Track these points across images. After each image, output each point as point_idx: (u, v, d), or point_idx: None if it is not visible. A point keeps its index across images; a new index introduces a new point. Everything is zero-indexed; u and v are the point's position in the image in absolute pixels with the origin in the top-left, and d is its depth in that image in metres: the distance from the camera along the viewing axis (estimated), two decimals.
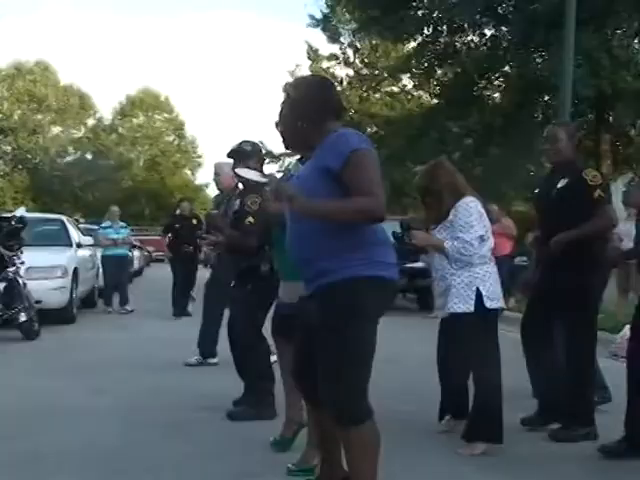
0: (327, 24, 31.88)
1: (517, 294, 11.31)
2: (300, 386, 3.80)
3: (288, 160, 27.62)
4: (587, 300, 5.38)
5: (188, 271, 13.25)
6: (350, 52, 39.66)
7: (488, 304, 4.94)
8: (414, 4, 19.71)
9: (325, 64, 40.03)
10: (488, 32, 19.58)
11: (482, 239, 5.04)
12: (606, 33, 16.95)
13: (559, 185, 5.46)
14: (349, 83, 41.87)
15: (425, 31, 20.02)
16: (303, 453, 4.39)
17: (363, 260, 3.37)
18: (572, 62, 14.12)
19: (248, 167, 5.49)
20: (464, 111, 19.41)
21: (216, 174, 7.43)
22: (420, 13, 19.89)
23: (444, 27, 19.91)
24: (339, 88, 41.83)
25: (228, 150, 5.87)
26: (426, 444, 5.09)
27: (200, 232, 10.48)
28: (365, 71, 41.82)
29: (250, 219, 5.51)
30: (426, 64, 20.54)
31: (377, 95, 42.16)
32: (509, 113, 18.47)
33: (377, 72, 41.86)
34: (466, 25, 19.74)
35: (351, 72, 40.60)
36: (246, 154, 5.73)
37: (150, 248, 33.86)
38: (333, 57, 39.61)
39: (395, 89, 42.31)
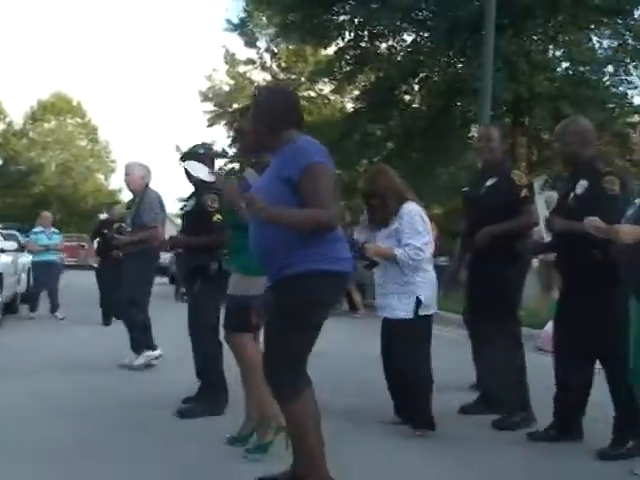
0: (244, 29, 31.88)
1: (441, 291, 11.61)
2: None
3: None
4: (506, 292, 5.62)
5: (118, 278, 12.56)
6: (267, 57, 39.74)
7: (424, 312, 5.22)
8: (335, 9, 19.88)
9: (242, 68, 40.05)
10: (408, 38, 19.93)
11: (426, 244, 5.24)
12: (523, 38, 17.43)
13: (488, 183, 5.70)
14: None
15: (347, 36, 20.23)
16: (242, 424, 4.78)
17: (317, 255, 3.71)
18: (492, 67, 14.49)
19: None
20: (385, 114, 19.73)
21: (126, 174, 7.54)
22: (341, 18, 20.11)
23: (365, 32, 20.13)
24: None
25: (182, 153, 5.96)
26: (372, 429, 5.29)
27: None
28: (282, 76, 42.11)
29: (218, 216, 5.63)
30: (347, 68, 20.68)
31: None
32: (429, 117, 18.84)
33: (294, 77, 42.23)
34: (386, 31, 20.02)
35: (268, 77, 40.71)
36: (199, 157, 5.77)
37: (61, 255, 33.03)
38: (250, 62, 39.61)
39: (312, 94, 42.78)
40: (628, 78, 18.38)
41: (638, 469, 4.41)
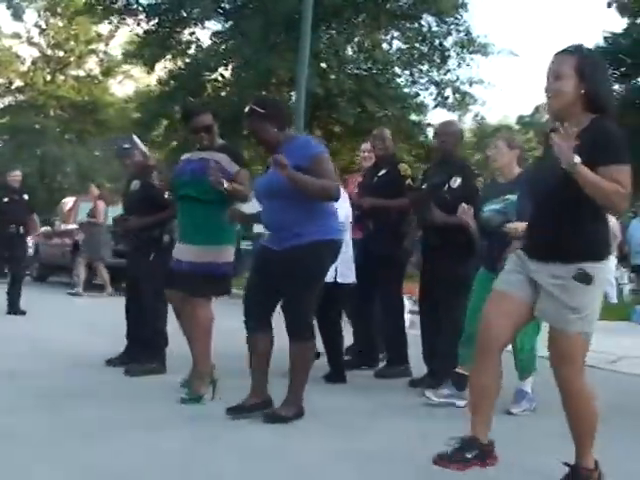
0: (11, 1, 30.60)
1: None
2: (251, 309, 4.81)
3: None
4: (396, 264, 6.62)
5: (15, 257, 10.86)
6: (35, 32, 38.32)
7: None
8: None
9: (7, 42, 38.40)
10: (214, 26, 20.40)
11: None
12: (333, 36, 18.48)
13: (380, 173, 6.76)
14: (33, 63, 40.62)
15: (152, 20, 20.31)
16: (192, 384, 5.22)
17: (323, 227, 4.72)
18: (307, 62, 15.31)
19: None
20: (193, 100, 20.00)
21: None
22: (146, 2, 20.21)
23: (169, 17, 20.31)
24: (23, 68, 40.55)
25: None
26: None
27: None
28: (50, 52, 40.79)
29: (168, 193, 6.01)
30: (150, 52, 20.71)
31: (63, 77, 41.43)
32: (239, 106, 19.32)
33: (63, 54, 41.04)
34: (191, 18, 20.35)
35: (36, 52, 39.30)
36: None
37: None
38: (16, 35, 38.02)
39: (82, 73, 41.85)
40: (421, 80, 20.05)
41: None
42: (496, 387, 3.50)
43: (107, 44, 41.85)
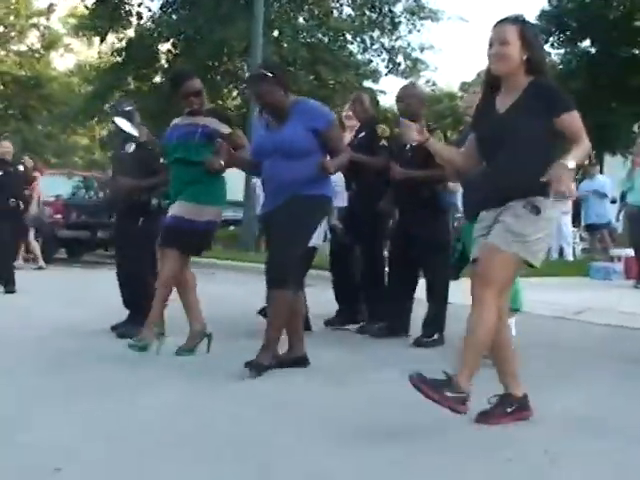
0: None
1: None
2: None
3: None
4: (376, 221, 6.81)
5: (10, 234, 9.98)
6: None
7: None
8: None
9: None
10: None
11: None
12: (284, 4, 18.54)
13: (359, 135, 6.87)
14: None
15: None
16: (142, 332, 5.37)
17: (325, 184, 5.02)
18: (261, 29, 15.38)
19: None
20: (148, 72, 19.97)
21: None
22: None
23: None
24: None
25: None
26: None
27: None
28: None
29: (162, 159, 6.13)
30: (100, 24, 20.52)
31: (4, 53, 40.69)
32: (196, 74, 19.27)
33: (4, 29, 40.24)
34: None
35: None
36: (126, 113, 6.48)
37: None
38: None
39: (24, 48, 41.13)
40: (373, 47, 20.22)
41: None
42: (508, 341, 3.80)
43: (48, 18, 41.33)
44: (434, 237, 6.14)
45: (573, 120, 3.61)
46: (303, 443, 3.43)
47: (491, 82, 3.83)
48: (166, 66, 20.70)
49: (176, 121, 5.78)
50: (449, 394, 3.42)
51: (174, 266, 5.51)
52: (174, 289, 5.61)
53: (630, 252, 11.18)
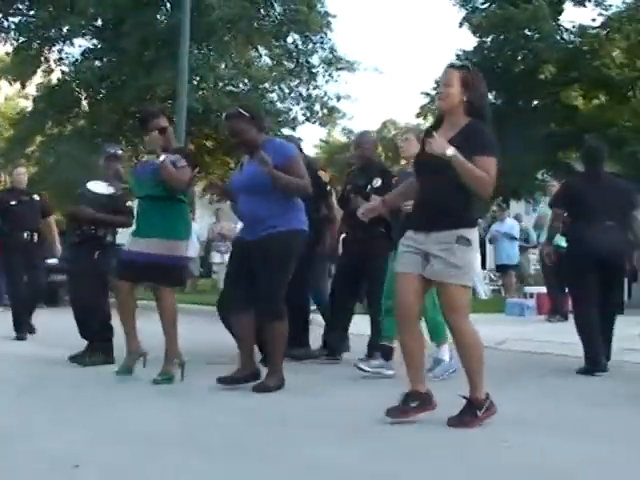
0: None
1: None
2: (232, 295, 5.52)
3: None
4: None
5: (31, 268, 9.08)
6: None
7: None
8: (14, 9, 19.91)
9: None
10: (85, 43, 20.55)
11: None
12: (209, 53, 19.09)
13: (373, 182, 6.90)
14: None
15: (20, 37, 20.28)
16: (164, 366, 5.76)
17: (295, 219, 5.45)
18: (186, 77, 15.85)
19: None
20: (68, 117, 20.18)
21: None
22: (17, 20, 20.14)
23: (39, 35, 20.30)
24: None
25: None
26: None
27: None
28: None
29: (129, 202, 6.70)
30: (21, 70, 20.63)
31: None
32: (117, 122, 19.68)
33: None
34: (58, 36, 20.49)
35: None
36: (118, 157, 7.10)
37: None
38: None
39: None
40: (292, 94, 20.92)
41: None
42: (420, 347, 4.41)
43: None
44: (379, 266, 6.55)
45: (485, 164, 4.19)
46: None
47: (438, 118, 4.50)
48: (88, 110, 20.93)
49: (145, 158, 6.18)
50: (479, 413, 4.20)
51: (173, 301, 5.88)
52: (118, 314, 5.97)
53: (542, 289, 12.00)
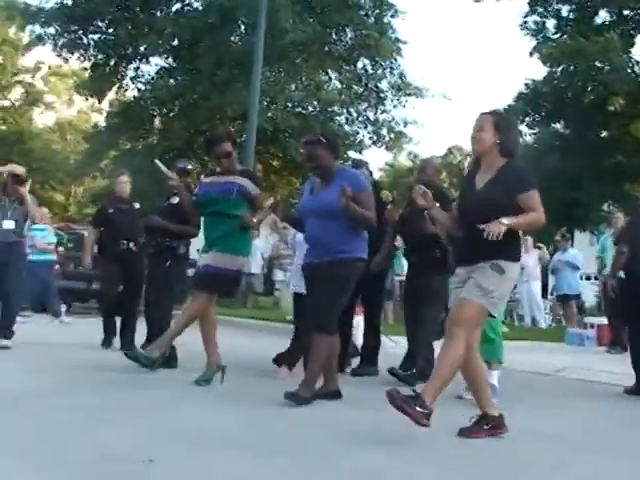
0: None
1: None
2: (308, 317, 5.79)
3: None
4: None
5: (130, 281, 8.69)
6: None
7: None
8: (93, 27, 20.61)
9: None
10: (160, 62, 21.22)
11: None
12: (280, 75, 19.53)
13: None
14: None
15: (99, 54, 20.99)
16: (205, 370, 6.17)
17: (360, 247, 5.72)
18: (258, 98, 16.23)
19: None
20: (142, 133, 20.80)
21: None
22: (96, 37, 20.85)
23: (117, 52, 20.99)
24: None
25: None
26: None
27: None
28: None
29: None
30: (99, 85, 21.32)
31: None
32: (188, 139, 20.20)
33: None
34: (134, 54, 21.16)
35: None
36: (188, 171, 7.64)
37: None
38: None
39: (7, 104, 41.84)
40: (360, 118, 21.25)
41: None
42: (481, 374, 4.63)
43: (33, 76, 42.26)
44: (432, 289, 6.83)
45: (529, 198, 4.50)
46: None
47: (476, 161, 4.83)
48: (160, 127, 21.55)
49: (210, 179, 6.51)
50: (418, 409, 4.20)
51: (202, 304, 6.21)
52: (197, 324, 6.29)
53: (603, 320, 11.98)
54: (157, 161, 7.17)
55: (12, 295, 8.28)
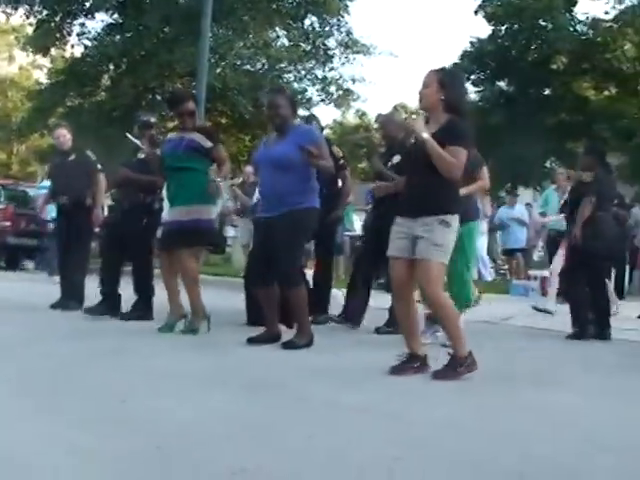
0: None
1: None
2: (256, 272, 6.02)
3: None
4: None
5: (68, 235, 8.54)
6: None
7: None
8: None
9: None
10: (106, 18, 20.97)
11: None
12: (228, 32, 19.50)
13: (393, 159, 7.25)
14: None
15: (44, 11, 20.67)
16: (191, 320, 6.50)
17: (313, 197, 5.99)
18: (207, 55, 16.21)
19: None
20: (91, 90, 20.64)
21: None
22: None
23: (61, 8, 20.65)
24: None
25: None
26: None
27: None
28: None
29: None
30: (44, 42, 20.99)
31: None
32: (136, 96, 20.10)
33: None
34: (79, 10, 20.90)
35: None
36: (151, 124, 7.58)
37: None
38: None
39: None
40: (308, 76, 21.35)
41: None
42: (414, 315, 4.97)
43: None
44: None
45: (455, 152, 4.73)
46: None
47: (425, 117, 5.03)
48: (108, 84, 21.38)
49: (170, 136, 6.77)
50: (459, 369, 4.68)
51: (192, 262, 6.46)
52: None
53: (546, 273, 12.43)
54: (128, 135, 7.31)
55: None
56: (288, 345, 5.74)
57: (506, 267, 17.55)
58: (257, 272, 6.02)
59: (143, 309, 7.27)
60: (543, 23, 23.86)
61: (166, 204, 6.93)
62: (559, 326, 8.11)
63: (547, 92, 25.45)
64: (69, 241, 8.18)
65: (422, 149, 4.71)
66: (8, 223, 15.61)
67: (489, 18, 24.90)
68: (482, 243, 16.60)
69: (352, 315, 7.37)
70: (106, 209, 9.05)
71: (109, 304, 7.35)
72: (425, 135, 4.67)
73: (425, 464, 2.93)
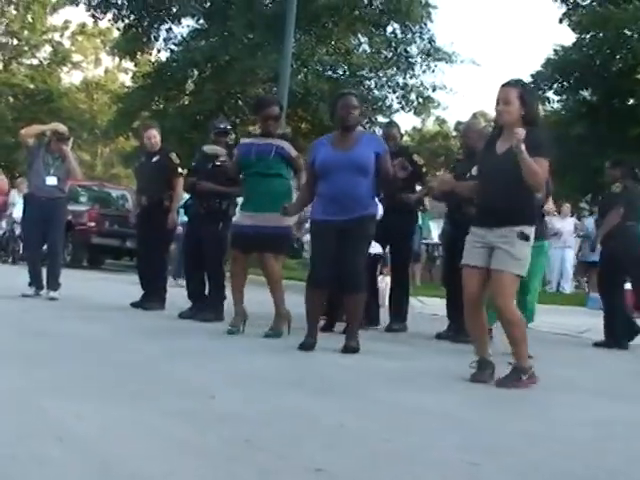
0: None
1: None
2: (321, 274, 5.95)
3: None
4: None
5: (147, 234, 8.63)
6: None
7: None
8: None
9: None
10: (191, 24, 21.47)
11: None
12: (312, 40, 19.74)
13: (472, 171, 7.06)
14: None
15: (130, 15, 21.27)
16: (275, 323, 6.60)
17: (376, 204, 6.23)
18: (290, 61, 16.45)
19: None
20: (176, 94, 21.14)
21: None
22: None
23: (148, 13, 21.22)
24: None
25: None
26: None
27: None
28: (3, 40, 40.96)
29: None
30: (131, 46, 21.59)
31: (17, 66, 41.65)
32: (222, 99, 20.51)
33: (17, 43, 41.23)
34: (166, 15, 21.42)
35: None
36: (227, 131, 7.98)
37: None
38: None
39: (35, 62, 42.16)
40: (389, 83, 21.43)
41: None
42: (484, 322, 5.05)
43: (62, 35, 42.52)
44: None
45: (540, 164, 4.72)
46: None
47: (497, 129, 5.10)
48: (192, 89, 21.85)
49: (250, 140, 6.80)
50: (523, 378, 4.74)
51: (278, 266, 6.61)
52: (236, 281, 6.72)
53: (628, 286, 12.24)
54: (206, 147, 7.52)
55: (56, 249, 8.77)
56: (349, 349, 5.84)
57: (585, 279, 17.33)
58: (322, 274, 5.95)
59: (214, 312, 7.43)
60: (628, 32, 23.41)
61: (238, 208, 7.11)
62: (637, 340, 8.08)
63: (631, 102, 24.95)
64: (148, 241, 8.42)
65: (512, 159, 4.72)
66: (93, 224, 16.11)
67: (574, 27, 24.55)
68: (570, 255, 16.48)
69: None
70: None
71: (199, 307, 7.58)
72: (523, 146, 4.67)
73: (501, 472, 2.99)
